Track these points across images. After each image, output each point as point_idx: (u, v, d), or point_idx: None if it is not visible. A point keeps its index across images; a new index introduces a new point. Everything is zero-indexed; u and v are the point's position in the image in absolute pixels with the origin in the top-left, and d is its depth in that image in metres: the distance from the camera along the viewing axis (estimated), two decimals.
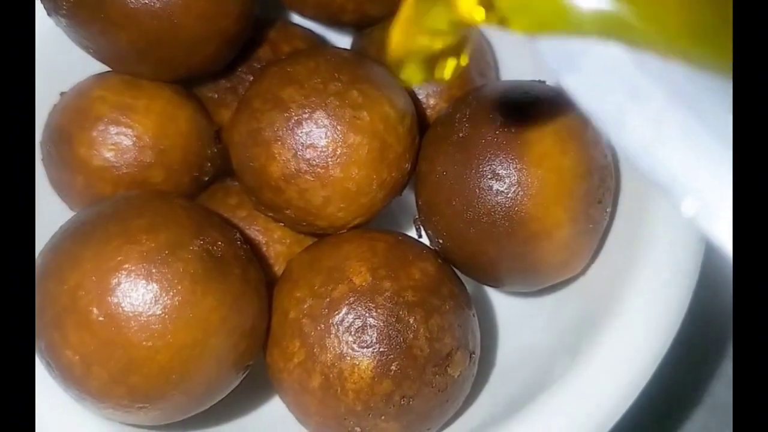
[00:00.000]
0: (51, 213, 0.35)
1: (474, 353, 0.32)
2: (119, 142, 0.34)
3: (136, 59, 0.33)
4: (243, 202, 0.36)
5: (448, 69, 0.26)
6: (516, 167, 0.31)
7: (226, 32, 0.33)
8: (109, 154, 0.34)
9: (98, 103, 0.34)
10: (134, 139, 0.34)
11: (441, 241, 0.34)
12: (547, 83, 0.35)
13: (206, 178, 0.37)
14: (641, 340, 0.30)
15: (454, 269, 0.34)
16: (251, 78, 0.37)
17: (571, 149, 0.32)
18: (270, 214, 0.34)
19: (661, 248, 0.32)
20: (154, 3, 0.31)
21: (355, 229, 0.34)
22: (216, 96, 0.38)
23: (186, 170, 0.36)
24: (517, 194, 0.31)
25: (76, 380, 0.29)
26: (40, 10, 0.33)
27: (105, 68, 0.36)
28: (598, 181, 0.32)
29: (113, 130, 0.34)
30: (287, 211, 0.33)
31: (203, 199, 0.37)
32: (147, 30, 0.32)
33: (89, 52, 0.34)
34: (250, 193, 0.34)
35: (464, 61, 0.26)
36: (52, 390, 0.30)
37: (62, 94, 0.36)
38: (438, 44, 0.25)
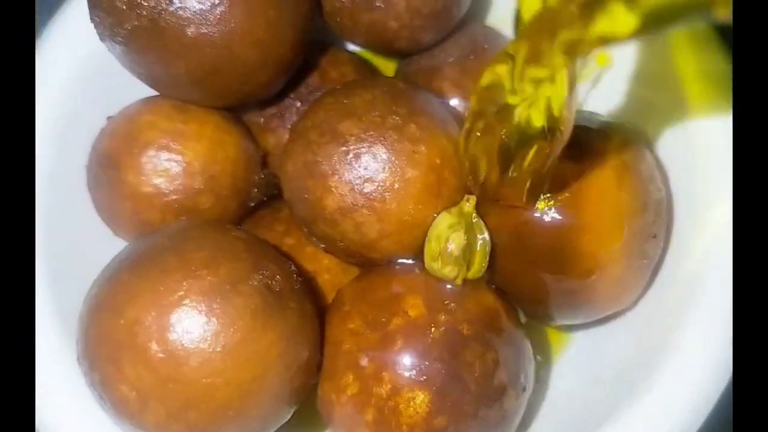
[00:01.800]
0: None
1: (527, 387, 0.32)
2: (169, 168, 0.34)
3: (191, 87, 0.33)
4: (290, 230, 0.36)
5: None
6: (573, 203, 0.31)
7: (282, 60, 0.33)
8: (158, 181, 0.34)
9: (147, 129, 0.34)
10: (184, 165, 0.34)
11: (493, 274, 0.34)
12: (601, 116, 0.35)
13: (252, 204, 0.37)
14: (699, 378, 0.30)
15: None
16: (298, 104, 0.37)
17: (627, 184, 0.32)
18: (322, 245, 0.34)
19: (716, 281, 0.31)
20: (213, 32, 0.31)
21: (408, 262, 0.33)
22: (261, 121, 0.38)
23: (234, 196, 0.35)
24: (573, 230, 0.31)
25: (132, 415, 0.29)
26: (89, 33, 0.33)
27: (151, 92, 0.36)
28: (654, 216, 0.32)
29: (163, 156, 0.34)
30: (341, 244, 0.32)
31: (250, 225, 0.37)
32: (205, 59, 0.31)
33: (141, 79, 0.34)
34: (303, 224, 0.33)
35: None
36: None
37: (109, 118, 0.36)
38: None
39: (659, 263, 0.34)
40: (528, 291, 0.33)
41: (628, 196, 0.32)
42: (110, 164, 0.34)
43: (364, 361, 0.30)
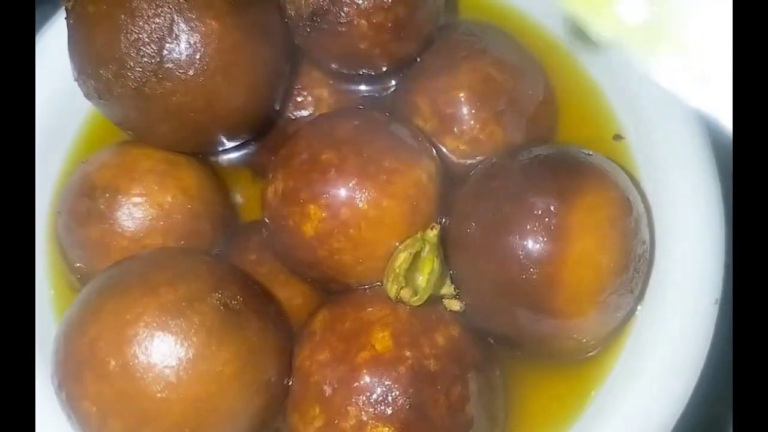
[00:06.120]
0: None
1: (496, 420, 0.32)
2: (134, 213, 0.34)
3: (174, 143, 0.35)
4: (264, 259, 0.36)
5: None
6: (553, 263, 0.30)
7: (262, 114, 0.35)
8: (127, 225, 0.34)
9: (116, 175, 0.35)
10: (152, 210, 0.34)
11: (467, 300, 0.33)
12: (593, 154, 0.34)
13: (226, 235, 0.37)
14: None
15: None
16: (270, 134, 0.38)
17: (610, 245, 0.31)
18: (297, 271, 0.34)
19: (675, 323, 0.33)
20: (196, 99, 0.32)
21: (379, 288, 0.33)
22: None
23: (200, 235, 0.36)
24: (550, 288, 0.31)
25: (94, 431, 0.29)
26: (59, 72, 0.34)
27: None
28: (633, 273, 0.32)
29: (133, 201, 0.34)
30: (316, 269, 0.33)
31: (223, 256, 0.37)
32: (188, 122, 0.33)
33: (126, 133, 0.35)
34: (278, 249, 0.34)
35: None
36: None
37: (83, 162, 0.36)
38: None
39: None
40: (502, 333, 0.33)
41: (610, 257, 0.31)
42: (81, 210, 0.35)
43: (330, 394, 0.30)
